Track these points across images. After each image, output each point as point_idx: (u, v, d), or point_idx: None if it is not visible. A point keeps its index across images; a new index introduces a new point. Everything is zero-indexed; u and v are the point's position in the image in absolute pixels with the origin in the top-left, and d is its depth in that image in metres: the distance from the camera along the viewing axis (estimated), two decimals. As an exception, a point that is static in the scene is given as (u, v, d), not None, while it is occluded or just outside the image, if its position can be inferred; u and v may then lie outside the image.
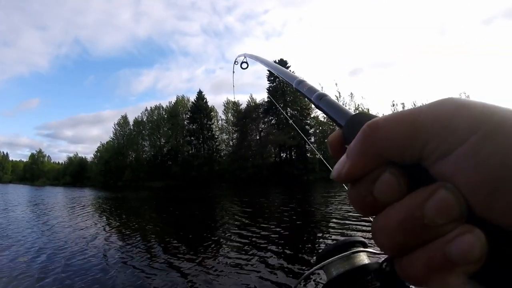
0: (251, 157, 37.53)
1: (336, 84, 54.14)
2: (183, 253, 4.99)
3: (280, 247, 5.06)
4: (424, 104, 0.15)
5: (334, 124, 0.24)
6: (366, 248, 0.30)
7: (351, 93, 39.71)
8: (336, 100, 0.26)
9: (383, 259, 0.25)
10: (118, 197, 21.11)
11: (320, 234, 6.12)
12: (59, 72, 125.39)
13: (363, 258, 0.29)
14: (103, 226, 8.37)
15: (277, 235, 6.00)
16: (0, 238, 6.80)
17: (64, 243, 6.06)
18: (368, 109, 37.86)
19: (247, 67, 0.89)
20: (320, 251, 0.30)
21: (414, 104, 44.61)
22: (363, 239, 0.30)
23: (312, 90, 0.30)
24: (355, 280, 0.27)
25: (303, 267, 3.99)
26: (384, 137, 0.15)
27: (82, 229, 7.87)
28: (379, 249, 0.16)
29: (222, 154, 42.89)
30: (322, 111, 0.26)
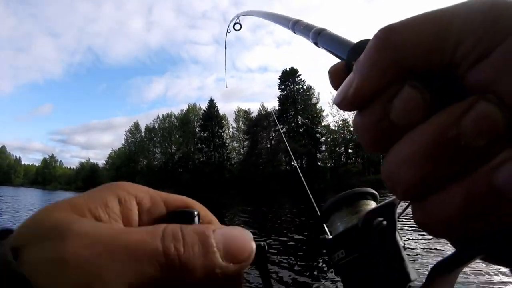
0: (262, 165, 37.58)
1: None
2: None
3: (291, 258, 4.96)
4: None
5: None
6: (377, 201, 0.26)
7: None
8: (336, 33, 0.22)
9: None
10: None
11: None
12: (73, 79, 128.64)
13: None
14: None
15: (287, 244, 5.93)
16: None
17: None
18: None
19: (240, 28, 0.86)
20: (325, 202, 0.27)
21: None
22: (373, 191, 0.26)
23: (309, 27, 0.27)
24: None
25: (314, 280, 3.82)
26: (404, 40, 0.12)
27: None
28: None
29: (232, 162, 43.07)
30: (322, 47, 0.23)
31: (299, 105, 40.07)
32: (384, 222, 0.20)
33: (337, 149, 39.81)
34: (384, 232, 0.19)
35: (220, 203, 19.07)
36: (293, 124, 40.88)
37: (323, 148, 40.86)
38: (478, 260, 0.12)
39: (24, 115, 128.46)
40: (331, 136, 39.66)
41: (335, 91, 0.16)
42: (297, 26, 0.29)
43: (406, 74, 0.12)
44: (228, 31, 0.92)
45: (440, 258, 0.13)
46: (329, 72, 0.17)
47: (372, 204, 0.25)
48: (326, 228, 0.28)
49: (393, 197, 0.20)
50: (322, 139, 40.63)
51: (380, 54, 0.12)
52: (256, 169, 37.39)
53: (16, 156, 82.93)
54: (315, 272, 4.30)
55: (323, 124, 40.69)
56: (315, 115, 40.01)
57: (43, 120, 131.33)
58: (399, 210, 0.20)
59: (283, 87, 41.57)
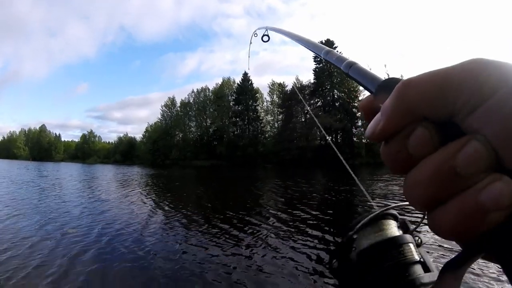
0: (296, 139, 37.64)
1: (385, 65, 51.56)
2: (223, 232, 4.92)
3: (318, 231, 4.83)
4: (453, 64, 0.16)
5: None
6: (397, 220, 0.30)
7: (401, 75, 37.49)
8: (365, 68, 0.26)
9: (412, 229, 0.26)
10: (165, 174, 21.64)
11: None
12: (107, 58, 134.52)
13: (395, 231, 0.29)
14: (150, 200, 8.64)
15: (317, 220, 5.72)
16: (54, 210, 6.93)
17: (114, 216, 6.23)
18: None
19: (268, 40, 0.90)
20: (351, 222, 0.30)
21: None
22: (395, 212, 0.30)
23: (341, 59, 0.30)
24: (386, 251, 0.27)
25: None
26: (418, 94, 0.16)
27: (131, 202, 8.21)
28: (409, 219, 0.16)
29: (266, 135, 43.51)
30: (353, 79, 0.27)
31: (335, 79, 39.04)
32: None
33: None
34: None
35: (254, 177, 19.06)
36: (328, 98, 40.10)
37: (359, 124, 39.91)
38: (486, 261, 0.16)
39: (62, 95, 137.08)
40: (368, 111, 38.55)
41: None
42: (330, 56, 0.32)
43: (420, 118, 0.16)
44: (254, 35, 0.92)
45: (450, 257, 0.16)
46: (360, 106, 0.22)
47: (392, 224, 0.30)
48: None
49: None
50: (359, 114, 39.62)
51: (400, 104, 0.16)
52: (290, 143, 37.54)
53: (56, 133, 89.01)
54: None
55: (360, 98, 39.50)
56: (352, 89, 38.87)
57: (80, 98, 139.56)
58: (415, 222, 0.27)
59: (318, 59, 40.52)
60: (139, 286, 3.02)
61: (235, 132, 43.62)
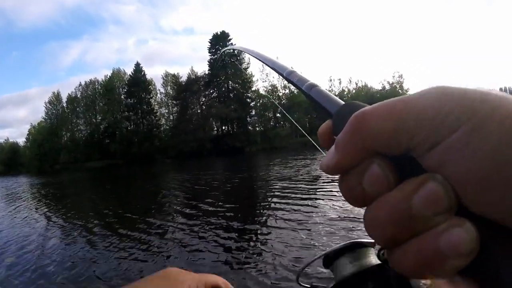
0: (193, 131, 37.34)
1: (277, 57, 55.10)
2: (124, 237, 4.74)
3: (232, 222, 4.83)
4: (412, 94, 0.15)
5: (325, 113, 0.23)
6: (374, 246, 0.30)
7: (291, 67, 40.69)
8: (326, 90, 0.26)
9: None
10: (55, 182, 19.37)
11: (266, 204, 5.99)
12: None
13: (374, 259, 0.29)
14: (43, 215, 7.79)
15: (227, 211, 5.68)
16: None
17: (5, 239, 5.55)
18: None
19: (236, 59, 0.90)
20: (327, 250, 0.30)
21: (350, 80, 47.57)
22: (371, 240, 0.29)
23: (302, 80, 0.30)
24: (366, 281, 0.27)
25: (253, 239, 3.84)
26: (371, 129, 0.15)
27: (22, 219, 7.33)
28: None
29: (162, 129, 42.06)
30: (312, 101, 0.26)
31: (229, 70, 40.02)
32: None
33: (266, 113, 41.08)
34: None
35: (152, 173, 18.24)
36: (223, 88, 40.90)
37: (253, 112, 41.82)
38: None
39: None
40: (261, 101, 40.69)
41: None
42: (292, 76, 0.33)
43: (375, 153, 0.15)
44: (223, 58, 0.90)
45: None
46: (318, 133, 0.21)
47: (370, 250, 0.29)
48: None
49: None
50: (252, 103, 41.50)
51: (353, 139, 0.15)
52: (188, 135, 37.00)
53: None
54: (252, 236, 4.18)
55: (253, 89, 41.41)
56: (246, 80, 40.40)
57: None
58: None
59: (213, 51, 40.87)
60: None
61: (129, 128, 41.05)
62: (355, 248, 0.29)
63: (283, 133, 38.42)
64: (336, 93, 40.97)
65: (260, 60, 0.44)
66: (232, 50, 0.85)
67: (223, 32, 42.11)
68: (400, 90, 43.39)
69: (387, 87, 45.67)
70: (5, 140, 56.92)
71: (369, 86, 47.93)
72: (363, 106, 0.18)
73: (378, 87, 46.23)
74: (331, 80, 41.93)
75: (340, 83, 47.55)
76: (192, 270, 0.33)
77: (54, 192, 13.68)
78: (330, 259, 0.30)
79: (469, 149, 0.12)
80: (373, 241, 0.29)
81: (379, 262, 0.29)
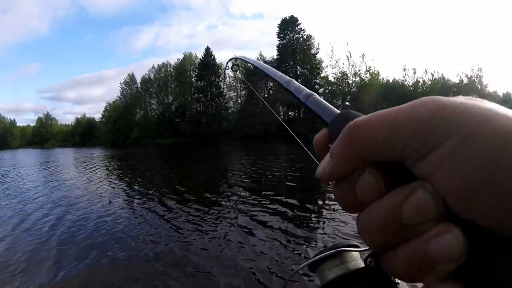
0: (259, 115, 37.66)
1: (347, 44, 52.48)
2: (186, 211, 4.80)
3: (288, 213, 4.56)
4: (404, 104, 0.15)
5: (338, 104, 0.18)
6: (360, 248, 0.30)
7: (363, 54, 38.45)
8: (322, 99, 0.26)
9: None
10: (127, 154, 21.14)
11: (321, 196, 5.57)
12: (58, 34, 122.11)
13: (359, 262, 0.29)
14: (113, 181, 8.45)
15: (284, 198, 5.41)
16: (13, 198, 6.67)
17: (77, 200, 6.03)
18: (378, 72, 36.98)
19: (238, 69, 0.90)
20: (312, 255, 0.30)
21: (425, 71, 43.70)
22: (357, 243, 0.29)
23: (299, 89, 0.31)
24: (350, 284, 0.27)
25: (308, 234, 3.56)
26: (365, 139, 0.15)
27: (94, 184, 7.91)
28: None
29: (230, 111, 43.02)
30: (309, 109, 0.27)
31: (298, 55, 39.14)
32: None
33: (334, 101, 39.75)
34: None
35: (218, 153, 18.84)
36: (291, 74, 40.24)
37: (321, 99, 40.70)
38: None
39: (13, 77, 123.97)
40: (330, 88, 39.40)
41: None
42: (290, 85, 0.33)
43: (368, 162, 0.16)
44: (227, 67, 0.96)
45: None
46: (313, 141, 0.22)
47: (355, 254, 0.29)
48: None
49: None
50: (320, 90, 40.36)
51: (347, 149, 0.16)
52: (254, 118, 37.46)
53: (10, 119, 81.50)
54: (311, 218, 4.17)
55: (321, 75, 40.16)
56: (314, 66, 39.30)
57: (32, 79, 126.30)
58: None
59: (282, 35, 40.24)
60: (122, 269, 2.91)
61: (198, 109, 42.62)
62: (341, 252, 0.29)
63: (350, 122, 37.04)
64: (410, 84, 37.86)
65: (260, 69, 0.45)
66: (234, 60, 0.89)
67: (291, 17, 41.08)
68: (479, 85, 38.70)
69: (465, 80, 41.18)
70: (82, 115, 63.59)
71: (445, 78, 43.68)
72: (358, 116, 0.18)
73: (455, 80, 41.87)
74: (405, 70, 38.82)
75: (414, 73, 44.03)
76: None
77: (126, 163, 14.78)
78: (315, 263, 0.29)
79: (458, 160, 0.13)
80: (358, 243, 0.29)
81: (363, 265, 0.28)
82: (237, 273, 2.67)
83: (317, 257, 0.29)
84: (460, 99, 0.14)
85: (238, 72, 0.99)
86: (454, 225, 0.13)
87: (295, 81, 0.34)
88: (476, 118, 0.13)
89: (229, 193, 6.10)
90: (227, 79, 43.86)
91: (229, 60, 0.93)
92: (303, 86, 0.31)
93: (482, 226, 0.13)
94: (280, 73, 0.38)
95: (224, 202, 5.36)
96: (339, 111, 0.23)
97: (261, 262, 2.86)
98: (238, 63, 0.91)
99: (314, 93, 0.28)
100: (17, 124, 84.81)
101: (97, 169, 12.04)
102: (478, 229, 0.13)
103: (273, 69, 0.41)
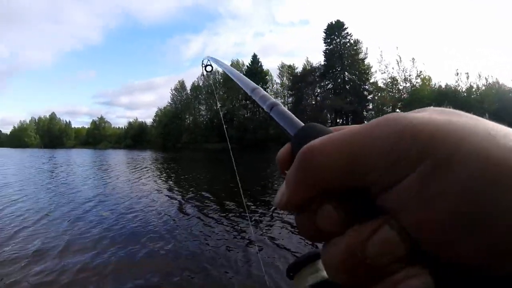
0: (307, 122, 37.84)
1: (397, 47, 50.55)
2: (234, 212, 4.83)
3: None
4: (366, 123, 0.13)
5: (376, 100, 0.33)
6: None
7: (413, 58, 36.87)
8: (287, 110, 0.24)
9: None
10: (177, 158, 22.09)
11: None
12: (111, 43, 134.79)
13: None
14: (162, 181, 8.79)
15: None
16: (66, 192, 6.98)
17: (126, 197, 6.26)
18: (429, 77, 34.96)
19: (211, 70, 0.89)
20: (290, 262, 0.29)
21: (479, 75, 40.29)
22: None
23: (265, 98, 0.29)
24: None
25: None
26: (319, 167, 0.13)
27: (143, 184, 8.27)
28: None
29: (277, 118, 43.84)
30: (274, 120, 0.24)
31: (346, 60, 38.69)
32: None
33: (384, 108, 38.66)
34: None
35: (264, 159, 18.94)
36: (339, 80, 39.96)
37: (370, 106, 39.85)
38: None
39: (69, 82, 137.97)
40: (379, 94, 38.37)
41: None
42: (255, 94, 0.32)
43: (328, 192, 0.14)
44: (203, 65, 0.95)
45: None
46: (277, 159, 0.18)
47: None
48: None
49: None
50: (370, 96, 39.52)
51: (301, 176, 0.14)
52: (300, 125, 37.92)
53: (66, 120, 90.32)
54: None
55: (371, 81, 39.27)
56: (363, 71, 38.57)
57: (87, 84, 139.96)
58: None
59: (328, 41, 40.04)
60: (166, 264, 2.96)
61: (245, 115, 44.05)
62: (317, 259, 0.28)
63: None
64: (463, 89, 35.47)
65: (227, 73, 0.43)
66: (207, 61, 0.86)
67: (338, 22, 40.70)
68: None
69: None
70: (134, 119, 68.83)
71: (500, 83, 40.05)
72: (322, 131, 0.17)
73: (510, 84, 38.13)
74: (457, 74, 36.41)
75: (467, 77, 41.13)
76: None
77: (175, 165, 15.27)
78: (291, 272, 0.29)
79: (426, 194, 0.11)
80: None
81: None
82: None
83: (291, 263, 0.28)
84: (431, 114, 0.13)
85: (210, 73, 0.95)
86: (423, 267, 0.12)
87: (262, 89, 0.32)
88: (449, 140, 0.11)
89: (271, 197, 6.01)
90: (274, 85, 44.84)
91: (203, 60, 0.89)
92: (269, 95, 0.29)
93: (453, 262, 0.11)
94: (248, 80, 0.36)
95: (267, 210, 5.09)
96: (303, 124, 0.20)
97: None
98: (210, 63, 0.88)
99: (279, 103, 0.26)
100: (72, 126, 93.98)
101: (145, 170, 12.57)
102: (447, 265, 0.11)
103: (241, 75, 0.38)
